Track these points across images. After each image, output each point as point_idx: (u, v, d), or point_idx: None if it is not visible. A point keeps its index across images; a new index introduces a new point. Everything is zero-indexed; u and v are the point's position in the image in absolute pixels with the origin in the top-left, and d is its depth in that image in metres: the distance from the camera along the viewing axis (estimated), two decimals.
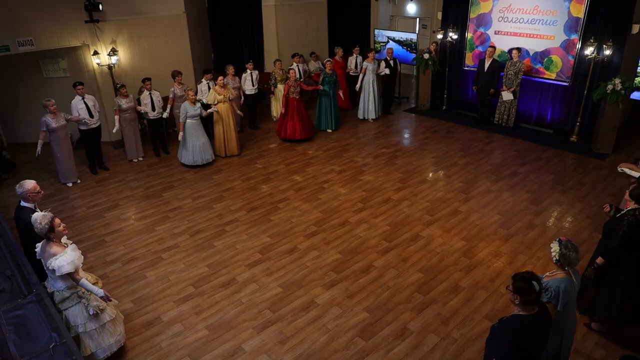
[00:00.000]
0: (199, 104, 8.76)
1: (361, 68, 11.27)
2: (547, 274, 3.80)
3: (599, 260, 4.52)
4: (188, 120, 8.68)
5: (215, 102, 8.98)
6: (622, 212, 4.48)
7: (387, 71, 11.24)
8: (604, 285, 4.58)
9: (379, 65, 11.21)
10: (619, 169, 5.44)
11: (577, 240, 6.55)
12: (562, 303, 3.60)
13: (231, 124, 9.36)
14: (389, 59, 11.32)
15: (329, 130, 10.74)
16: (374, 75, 11.05)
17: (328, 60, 10.54)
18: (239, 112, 9.68)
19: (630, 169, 5.08)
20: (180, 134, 8.73)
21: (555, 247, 3.65)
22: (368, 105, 11.27)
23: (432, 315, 5.29)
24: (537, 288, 3.11)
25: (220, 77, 9.11)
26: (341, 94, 10.62)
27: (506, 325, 3.15)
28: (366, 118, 11.41)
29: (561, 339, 3.84)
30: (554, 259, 3.67)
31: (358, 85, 11.13)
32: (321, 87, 10.35)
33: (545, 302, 3.51)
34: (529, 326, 3.12)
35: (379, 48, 12.87)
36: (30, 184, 5.03)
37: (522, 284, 3.13)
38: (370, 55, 10.94)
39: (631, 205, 4.41)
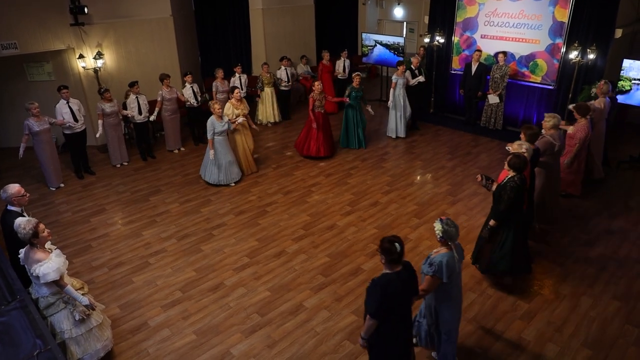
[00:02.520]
0: (226, 119, 8.17)
1: (349, 71, 11.23)
2: (434, 251, 4.19)
3: (492, 222, 5.34)
4: (216, 137, 8.09)
5: (235, 117, 8.38)
6: (504, 180, 5.23)
7: (421, 79, 10.42)
8: (497, 243, 5.37)
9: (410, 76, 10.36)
10: (506, 148, 5.98)
11: (562, 241, 6.65)
12: (446, 275, 4.02)
13: (250, 141, 8.83)
14: (414, 68, 10.46)
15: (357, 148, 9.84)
16: (404, 90, 10.13)
17: (357, 74, 9.58)
18: (254, 126, 9.02)
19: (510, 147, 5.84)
20: (211, 152, 8.09)
21: (438, 226, 4.03)
22: (400, 121, 10.37)
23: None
24: (398, 249, 3.62)
25: (237, 90, 8.54)
26: (370, 109, 9.81)
27: (375, 283, 3.65)
28: (398, 136, 10.49)
29: (453, 308, 4.27)
30: (438, 236, 4.05)
31: (390, 102, 10.16)
32: (348, 100, 9.51)
33: (431, 275, 4.03)
34: (394, 282, 3.64)
35: (367, 52, 12.92)
36: (13, 188, 4.96)
37: (387, 245, 3.63)
38: (400, 68, 9.98)
39: (510, 173, 5.19)
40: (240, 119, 8.37)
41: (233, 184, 8.44)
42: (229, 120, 8.23)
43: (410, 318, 4.00)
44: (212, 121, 8.00)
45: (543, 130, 6.48)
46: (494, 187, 5.41)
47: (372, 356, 3.97)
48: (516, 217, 5.29)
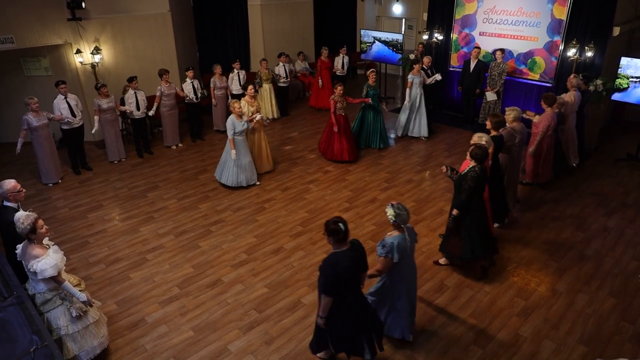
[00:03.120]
0: (245, 118, 7.92)
1: (347, 68, 11.19)
2: (388, 234, 4.46)
3: (454, 212, 5.49)
4: (235, 137, 7.83)
5: (251, 115, 8.13)
6: (465, 170, 5.41)
7: (438, 77, 10.02)
8: (462, 231, 5.55)
9: (426, 75, 10.01)
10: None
11: (559, 239, 6.66)
12: (397, 256, 4.31)
13: (265, 138, 8.61)
14: (426, 68, 10.09)
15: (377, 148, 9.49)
16: (421, 89, 9.82)
17: (372, 71, 9.32)
18: (266, 123, 8.77)
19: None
20: (233, 152, 7.83)
21: (390, 211, 4.31)
22: (420, 121, 10.08)
23: (418, 314, 5.28)
24: (343, 228, 3.86)
25: (250, 87, 8.45)
26: (384, 107, 9.39)
27: (326, 262, 3.94)
28: (418, 136, 10.23)
29: (406, 287, 4.61)
30: (391, 220, 4.32)
31: (407, 102, 9.87)
32: (369, 100, 9.19)
33: (384, 256, 4.33)
34: (343, 259, 3.91)
35: (365, 48, 12.90)
36: (9, 183, 4.94)
37: (333, 227, 3.87)
38: (416, 67, 9.67)
39: (471, 164, 5.37)
40: (259, 116, 8.14)
41: (258, 183, 8.31)
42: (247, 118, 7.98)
43: (361, 292, 4.24)
44: (232, 120, 7.74)
45: (507, 123, 6.73)
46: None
47: (330, 331, 4.19)
48: (478, 205, 5.49)
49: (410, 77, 9.79)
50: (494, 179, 6.24)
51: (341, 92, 8.79)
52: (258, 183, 8.32)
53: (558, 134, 7.97)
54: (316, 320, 4.19)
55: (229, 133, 7.81)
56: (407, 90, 9.83)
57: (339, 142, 9.00)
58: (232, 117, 7.77)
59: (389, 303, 4.70)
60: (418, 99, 9.87)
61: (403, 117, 10.17)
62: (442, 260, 6.13)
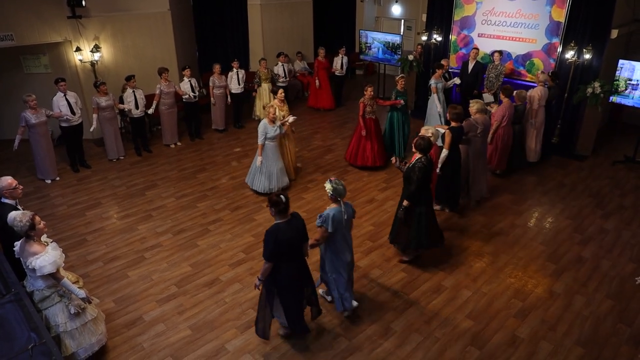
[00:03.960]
0: (278, 122, 7.58)
1: (346, 68, 11.13)
2: (328, 207, 4.79)
3: (405, 203, 5.66)
4: (267, 142, 7.53)
5: (283, 119, 7.79)
6: (413, 162, 5.61)
7: (457, 80, 9.92)
8: (412, 222, 5.75)
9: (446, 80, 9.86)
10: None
11: (557, 239, 6.69)
12: (332, 226, 4.66)
13: (292, 145, 8.34)
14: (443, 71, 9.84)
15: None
16: (443, 94, 9.70)
17: (401, 77, 8.82)
18: (293, 128, 8.44)
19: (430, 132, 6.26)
20: (259, 158, 7.56)
21: (328, 186, 4.70)
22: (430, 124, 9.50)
23: (415, 315, 5.33)
24: (284, 200, 4.26)
25: (281, 91, 8.26)
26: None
27: (268, 231, 4.32)
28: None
29: (345, 258, 4.96)
30: (329, 194, 4.71)
31: (440, 108, 9.50)
32: (402, 102, 8.67)
33: (319, 226, 4.69)
34: (284, 229, 4.31)
35: (366, 50, 12.91)
36: (5, 180, 4.92)
37: (275, 198, 4.27)
38: (439, 71, 9.47)
39: (417, 155, 5.59)
40: (291, 119, 7.80)
41: (286, 184, 8.06)
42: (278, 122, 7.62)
43: (303, 260, 4.64)
44: (264, 125, 7.42)
45: (471, 115, 7.14)
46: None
47: (278, 295, 4.59)
48: (426, 196, 5.72)
49: (433, 82, 9.58)
50: (451, 167, 6.78)
51: (371, 94, 8.33)
52: (287, 184, 8.06)
53: (524, 128, 8.57)
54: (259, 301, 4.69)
55: (260, 138, 7.46)
56: (435, 96, 9.55)
57: (370, 147, 8.58)
58: (264, 121, 7.45)
59: (331, 276, 5.02)
60: (441, 105, 9.62)
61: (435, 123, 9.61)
62: (405, 257, 6.20)
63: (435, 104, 9.64)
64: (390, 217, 7.21)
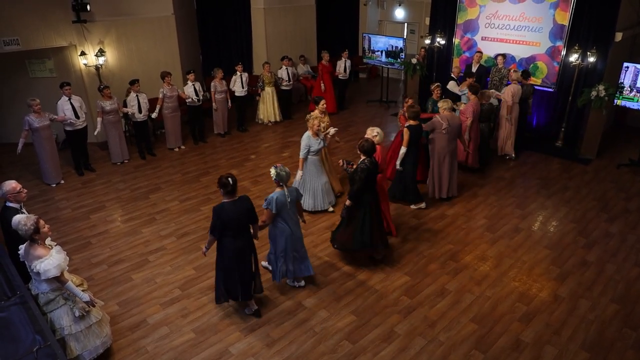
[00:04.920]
0: (322, 135, 7.10)
1: (349, 72, 11.07)
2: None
3: (347, 202, 5.82)
4: (310, 157, 7.03)
5: (325, 131, 7.30)
6: (358, 163, 5.79)
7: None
8: (356, 222, 5.87)
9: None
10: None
11: (561, 244, 6.66)
12: (275, 208, 5.12)
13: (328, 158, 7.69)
14: (455, 77, 9.76)
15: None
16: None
17: (437, 85, 8.44)
18: (337, 139, 7.74)
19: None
20: (300, 173, 7.07)
21: (273, 171, 5.16)
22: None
23: (419, 319, 5.31)
24: (231, 182, 4.69)
25: (323, 102, 7.72)
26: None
27: (214, 208, 4.79)
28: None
29: (291, 238, 5.39)
30: (274, 178, 5.15)
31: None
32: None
33: (265, 208, 5.18)
34: (228, 208, 4.78)
35: (369, 55, 12.90)
36: (9, 184, 4.95)
37: (224, 180, 4.69)
38: (469, 80, 8.99)
39: (362, 157, 5.76)
40: (333, 130, 7.25)
41: (331, 209, 7.47)
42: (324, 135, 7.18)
43: (249, 239, 5.09)
44: (307, 138, 6.91)
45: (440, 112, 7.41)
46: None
47: (221, 264, 5.10)
48: (369, 197, 5.84)
49: (461, 91, 9.53)
50: (412, 164, 7.20)
51: (412, 103, 7.73)
52: (332, 210, 7.45)
53: (495, 125, 9.12)
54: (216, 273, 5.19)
55: (302, 152, 6.96)
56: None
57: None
58: (307, 134, 6.94)
59: (279, 253, 5.45)
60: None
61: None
62: (376, 255, 6.29)
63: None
64: (393, 220, 7.22)
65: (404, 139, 7.01)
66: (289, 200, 5.19)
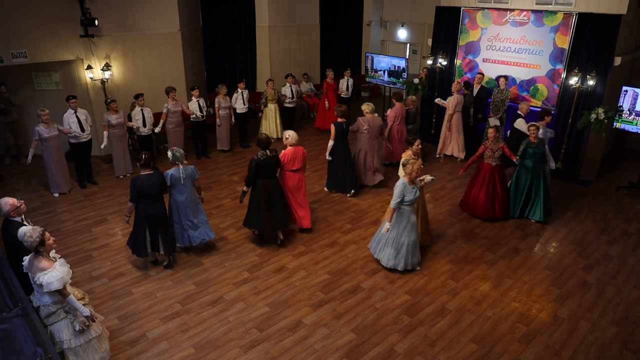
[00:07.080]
0: (418, 183, 6.11)
1: (352, 90, 11.22)
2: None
3: (244, 188, 6.77)
4: (403, 207, 6.03)
5: (421, 176, 6.23)
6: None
7: (553, 166, 7.82)
8: (251, 205, 6.86)
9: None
10: None
11: (561, 264, 6.67)
12: (169, 181, 6.21)
13: (424, 205, 6.92)
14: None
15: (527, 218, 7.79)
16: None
17: (533, 125, 7.39)
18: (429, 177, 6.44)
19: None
20: (387, 225, 6.08)
21: (169, 153, 6.27)
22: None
23: (419, 338, 5.31)
24: (144, 157, 5.97)
25: (418, 141, 6.80)
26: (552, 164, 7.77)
27: (132, 179, 5.95)
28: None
29: (184, 207, 6.51)
30: (170, 159, 6.27)
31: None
32: (517, 159, 7.49)
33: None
34: (143, 179, 5.94)
35: (373, 74, 13.06)
36: (6, 204, 4.97)
37: (139, 156, 5.99)
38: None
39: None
40: (429, 178, 6.27)
41: (418, 268, 6.56)
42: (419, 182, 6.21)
43: (161, 206, 6.22)
44: (402, 185, 5.91)
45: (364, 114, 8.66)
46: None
47: (135, 224, 6.21)
48: (262, 184, 6.71)
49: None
50: (341, 156, 8.41)
51: (495, 135, 7.20)
52: (419, 268, 6.55)
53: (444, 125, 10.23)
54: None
55: (394, 202, 5.94)
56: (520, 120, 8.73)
57: (475, 192, 7.72)
58: (402, 181, 5.94)
59: (176, 223, 6.53)
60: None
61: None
62: (280, 235, 7.06)
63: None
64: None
65: (331, 133, 8.29)
66: (184, 175, 6.28)
